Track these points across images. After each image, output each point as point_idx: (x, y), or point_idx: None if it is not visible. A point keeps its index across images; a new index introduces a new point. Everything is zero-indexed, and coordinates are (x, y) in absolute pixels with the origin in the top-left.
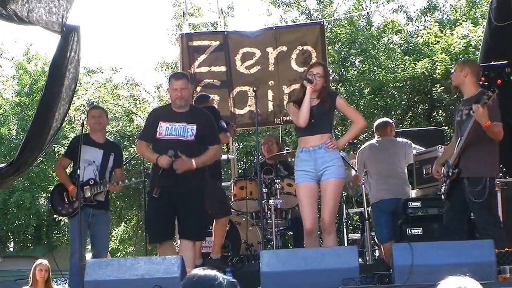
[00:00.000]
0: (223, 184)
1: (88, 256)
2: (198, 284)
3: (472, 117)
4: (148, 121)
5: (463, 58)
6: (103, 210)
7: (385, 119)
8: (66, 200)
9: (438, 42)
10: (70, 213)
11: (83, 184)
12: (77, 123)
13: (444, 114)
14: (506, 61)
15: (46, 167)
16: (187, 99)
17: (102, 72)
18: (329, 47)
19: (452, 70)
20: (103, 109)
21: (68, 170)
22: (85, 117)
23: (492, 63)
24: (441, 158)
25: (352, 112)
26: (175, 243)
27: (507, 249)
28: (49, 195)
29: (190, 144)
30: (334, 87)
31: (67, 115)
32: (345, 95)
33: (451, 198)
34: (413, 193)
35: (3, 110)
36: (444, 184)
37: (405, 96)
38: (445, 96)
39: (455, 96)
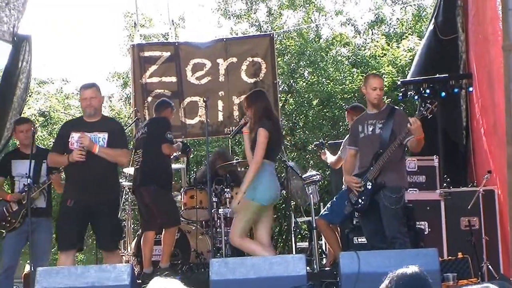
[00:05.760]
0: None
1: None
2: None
3: (391, 131)
4: (60, 133)
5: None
6: (45, 218)
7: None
8: (7, 214)
9: (385, 54)
10: (13, 224)
11: (20, 196)
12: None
13: None
14: (449, 74)
15: None
16: (97, 107)
17: (53, 83)
18: (279, 59)
19: (376, 84)
20: (30, 121)
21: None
22: (34, 127)
23: (437, 75)
24: (347, 169)
25: (256, 150)
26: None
27: (450, 257)
28: None
29: None
30: (284, 98)
31: None
32: (294, 105)
33: (369, 217)
34: None
35: None
36: (360, 198)
37: None
38: None
39: (401, 107)
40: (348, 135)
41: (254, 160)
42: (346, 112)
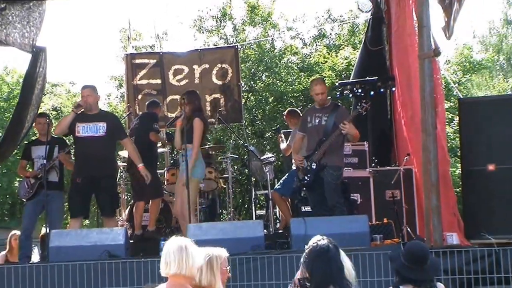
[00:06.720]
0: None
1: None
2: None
3: (333, 123)
4: None
5: (344, 75)
6: (57, 191)
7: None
8: (27, 186)
9: (326, 62)
10: (31, 193)
11: (36, 173)
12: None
13: None
14: (377, 77)
15: (19, 157)
16: (91, 103)
17: (63, 85)
18: (242, 65)
19: (319, 90)
20: (47, 116)
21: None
22: (49, 120)
23: (367, 78)
24: (294, 150)
25: (195, 136)
26: None
27: (377, 222)
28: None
29: (102, 139)
30: (246, 96)
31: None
32: (254, 102)
33: (314, 190)
34: None
35: None
36: (306, 176)
37: (300, 104)
38: None
39: (339, 103)
40: (294, 128)
41: (194, 145)
42: (284, 117)
